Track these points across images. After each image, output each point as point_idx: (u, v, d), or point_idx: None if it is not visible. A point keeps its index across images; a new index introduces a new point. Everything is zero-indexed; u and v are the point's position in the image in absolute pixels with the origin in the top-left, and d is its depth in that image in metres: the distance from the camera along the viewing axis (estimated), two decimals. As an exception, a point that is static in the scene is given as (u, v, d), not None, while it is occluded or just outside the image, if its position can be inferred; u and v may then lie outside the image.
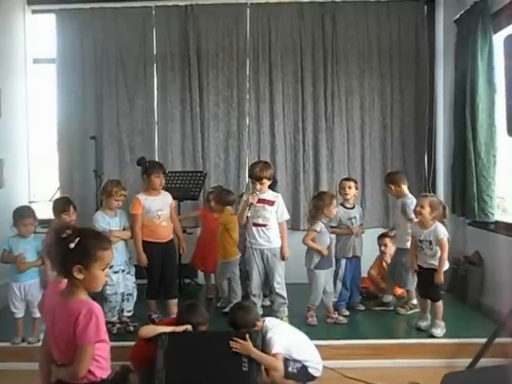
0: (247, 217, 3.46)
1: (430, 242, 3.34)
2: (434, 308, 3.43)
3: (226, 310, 3.63)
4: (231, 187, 4.82)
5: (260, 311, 3.48)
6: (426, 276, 3.40)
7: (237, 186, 4.95)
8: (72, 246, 1.75)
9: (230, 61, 4.97)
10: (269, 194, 3.52)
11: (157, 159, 4.82)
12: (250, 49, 4.97)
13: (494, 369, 2.36)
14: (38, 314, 3.23)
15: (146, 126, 5.02)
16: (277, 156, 4.97)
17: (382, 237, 4.24)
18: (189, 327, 2.76)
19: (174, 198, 3.86)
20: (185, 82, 4.99)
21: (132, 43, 4.97)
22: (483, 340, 2.95)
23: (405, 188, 3.92)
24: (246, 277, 3.76)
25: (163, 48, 4.99)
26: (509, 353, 3.05)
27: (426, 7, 4.97)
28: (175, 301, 3.66)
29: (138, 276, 3.68)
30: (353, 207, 3.97)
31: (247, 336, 2.65)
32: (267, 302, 3.93)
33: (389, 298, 4.02)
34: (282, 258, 3.50)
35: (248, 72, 5.00)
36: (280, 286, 3.52)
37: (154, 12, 4.99)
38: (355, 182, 4.07)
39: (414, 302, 3.88)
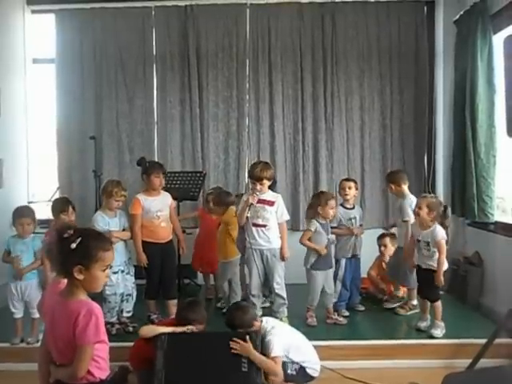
0: (247, 217, 3.45)
1: (428, 244, 3.33)
2: (433, 309, 3.42)
3: (226, 310, 3.62)
4: (231, 187, 4.83)
5: (260, 312, 3.48)
6: (424, 276, 3.40)
7: (236, 186, 4.95)
8: (73, 246, 1.75)
9: (229, 61, 4.97)
10: (269, 195, 3.51)
11: (156, 159, 4.81)
12: (250, 49, 4.97)
13: (494, 369, 2.36)
14: (36, 315, 3.23)
15: (146, 126, 5.01)
16: (276, 156, 4.97)
17: (381, 237, 4.23)
18: (189, 328, 2.76)
19: (173, 199, 3.85)
20: (184, 82, 4.99)
21: (131, 43, 4.97)
22: (483, 340, 2.96)
23: (405, 188, 3.92)
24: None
25: (163, 48, 4.99)
26: (508, 353, 3.06)
27: (425, 8, 4.99)
28: (175, 301, 3.65)
29: (137, 276, 3.67)
30: (353, 208, 3.97)
31: (247, 337, 2.65)
32: (267, 303, 3.92)
33: (399, 293, 4.00)
34: (282, 258, 3.50)
35: (248, 72, 5.00)
36: (280, 287, 3.51)
37: (153, 12, 4.99)
38: (355, 182, 4.06)
39: (414, 302, 3.87)
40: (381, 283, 4.19)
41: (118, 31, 4.97)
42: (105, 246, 1.84)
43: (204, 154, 5.00)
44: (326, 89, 4.95)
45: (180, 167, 4.96)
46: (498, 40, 3.83)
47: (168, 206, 3.72)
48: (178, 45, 4.98)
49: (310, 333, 3.17)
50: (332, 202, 3.62)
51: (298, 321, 3.51)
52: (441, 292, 3.49)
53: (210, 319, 3.00)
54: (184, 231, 4.12)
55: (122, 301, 3.55)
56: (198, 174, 4.65)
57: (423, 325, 3.48)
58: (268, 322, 2.87)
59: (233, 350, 2.62)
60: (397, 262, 3.90)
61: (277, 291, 3.50)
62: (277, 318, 3.32)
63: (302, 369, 2.80)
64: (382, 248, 4.18)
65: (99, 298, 3.02)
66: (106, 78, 4.98)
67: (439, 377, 1.90)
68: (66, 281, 1.83)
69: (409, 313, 3.86)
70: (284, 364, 2.74)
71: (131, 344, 2.93)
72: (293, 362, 2.78)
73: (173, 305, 3.62)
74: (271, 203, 3.48)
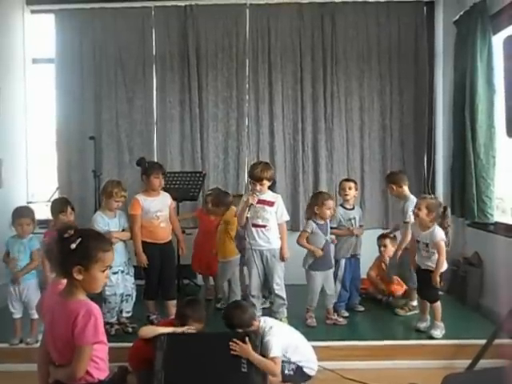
0: (247, 217, 3.45)
1: (427, 245, 3.33)
2: (432, 309, 3.42)
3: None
4: (230, 188, 4.83)
5: (259, 313, 3.47)
6: (423, 277, 3.40)
7: (236, 186, 4.95)
8: (73, 246, 1.75)
9: (229, 61, 4.97)
10: (268, 195, 3.50)
11: (156, 160, 4.82)
12: (250, 49, 4.97)
13: (494, 370, 2.35)
14: (35, 316, 3.22)
15: (145, 126, 5.01)
16: (276, 157, 4.96)
17: (381, 238, 4.23)
18: (189, 328, 2.76)
19: (173, 199, 3.85)
20: (184, 82, 4.99)
21: (131, 43, 4.97)
22: (483, 341, 2.95)
23: (406, 189, 3.92)
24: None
25: (162, 48, 4.99)
26: (508, 354, 3.05)
27: (425, 8, 4.99)
28: (174, 302, 3.64)
29: (136, 277, 3.66)
30: (352, 208, 3.96)
31: (247, 339, 2.64)
32: (267, 304, 3.91)
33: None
34: (282, 259, 3.49)
35: (247, 73, 5.00)
36: (279, 287, 3.50)
37: (153, 12, 4.99)
38: (355, 182, 4.06)
39: (414, 303, 3.87)
40: (380, 284, 4.18)
41: (117, 31, 4.97)
42: (104, 246, 1.84)
43: (203, 155, 5.00)
44: (325, 89, 4.95)
45: (179, 167, 4.95)
46: (498, 40, 3.83)
47: (167, 206, 3.71)
48: (178, 45, 4.97)
49: (310, 333, 3.16)
50: (329, 203, 3.60)
51: (297, 321, 3.50)
52: (440, 293, 3.49)
53: (209, 320, 2.99)
54: (183, 231, 4.11)
55: (121, 301, 3.54)
56: (198, 175, 4.65)
57: (423, 325, 3.47)
58: (266, 322, 2.86)
59: (232, 352, 2.61)
60: (402, 262, 3.87)
61: (276, 292, 3.50)
62: (276, 318, 3.30)
63: (299, 368, 2.80)
64: (382, 248, 4.18)
65: (99, 298, 3.02)
66: (105, 78, 4.98)
67: (439, 377, 1.89)
68: (65, 281, 1.83)
69: (408, 313, 3.86)
70: (281, 364, 2.74)
71: (130, 344, 2.92)
72: (290, 362, 2.77)
73: (172, 305, 3.61)
74: (271, 204, 3.48)
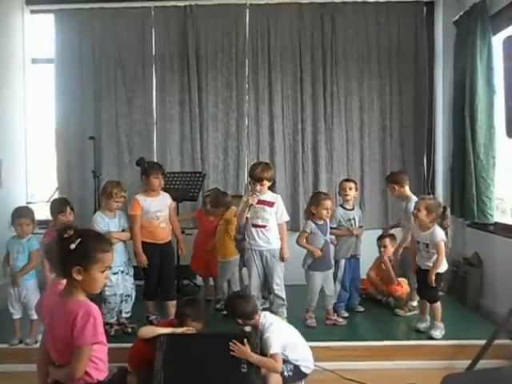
0: (247, 218, 3.44)
1: (427, 245, 3.32)
2: (432, 310, 3.42)
3: (225, 311, 3.60)
4: (230, 188, 4.83)
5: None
6: (423, 277, 3.38)
7: (236, 186, 4.95)
8: (73, 246, 1.75)
9: (229, 61, 4.96)
10: (268, 195, 3.50)
11: (155, 160, 4.81)
12: (249, 49, 4.97)
13: (494, 370, 2.36)
14: (35, 316, 3.20)
15: (145, 126, 5.01)
16: (276, 157, 4.96)
17: (381, 238, 4.22)
18: (188, 329, 2.75)
19: (172, 199, 3.84)
20: (184, 82, 4.98)
21: (131, 43, 4.96)
22: (482, 341, 2.95)
23: (407, 189, 3.91)
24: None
25: (162, 48, 4.99)
26: (508, 354, 3.05)
27: (425, 8, 4.99)
28: (173, 302, 3.63)
29: (135, 277, 3.66)
30: (352, 209, 3.95)
31: (245, 340, 2.64)
32: (266, 305, 3.91)
33: (414, 302, 3.89)
34: (282, 259, 3.48)
35: (247, 73, 5.00)
36: (279, 288, 3.50)
37: (153, 12, 4.98)
38: (355, 183, 4.05)
39: (414, 303, 3.87)
40: (380, 284, 4.18)
41: (117, 31, 4.97)
42: (104, 247, 1.83)
43: (203, 155, 5.00)
44: (325, 89, 4.95)
45: (179, 168, 4.95)
46: (498, 41, 3.83)
47: (167, 206, 3.71)
48: (178, 45, 4.97)
49: (309, 334, 3.16)
50: (326, 203, 3.58)
51: (297, 322, 3.47)
52: (440, 293, 3.49)
53: (209, 320, 2.99)
54: (183, 232, 4.11)
55: (121, 301, 3.54)
56: (198, 175, 4.64)
57: (423, 326, 3.47)
58: (266, 318, 2.83)
59: (231, 353, 2.61)
60: (404, 262, 3.88)
61: (276, 292, 3.50)
62: (276, 318, 3.30)
63: (296, 368, 2.79)
64: (382, 249, 4.17)
65: (98, 298, 3.02)
66: (105, 78, 4.98)
67: (438, 378, 1.90)
68: (65, 281, 1.83)
69: (408, 314, 3.85)
70: None
71: (130, 345, 2.92)
72: (288, 363, 2.76)
73: (172, 306, 3.59)
74: (271, 204, 3.48)
